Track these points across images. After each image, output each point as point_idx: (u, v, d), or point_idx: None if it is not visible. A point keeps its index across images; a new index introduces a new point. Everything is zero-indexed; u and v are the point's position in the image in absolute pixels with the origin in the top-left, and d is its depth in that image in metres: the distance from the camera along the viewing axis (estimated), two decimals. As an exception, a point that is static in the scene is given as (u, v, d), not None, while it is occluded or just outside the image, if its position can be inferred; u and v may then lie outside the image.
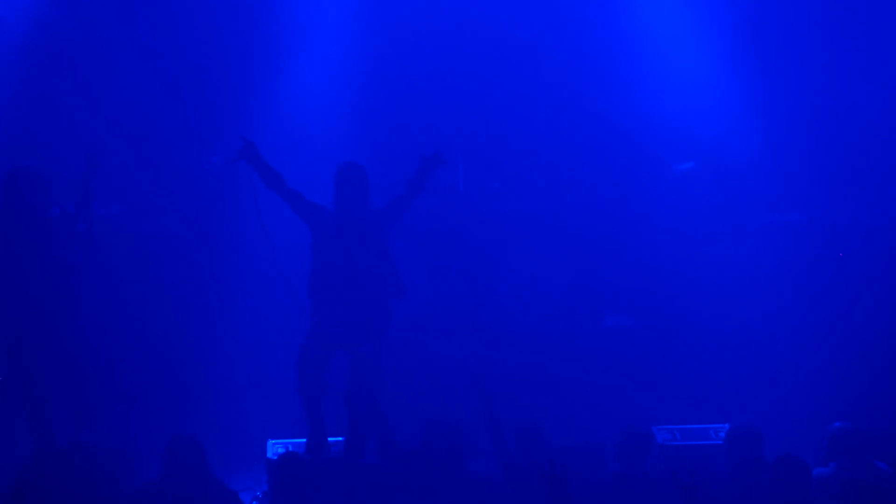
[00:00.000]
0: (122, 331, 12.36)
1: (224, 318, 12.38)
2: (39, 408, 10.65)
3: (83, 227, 10.57)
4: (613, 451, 9.72)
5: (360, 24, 12.96)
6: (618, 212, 13.00)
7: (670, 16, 13.13)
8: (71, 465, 10.13)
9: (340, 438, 10.31)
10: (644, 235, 12.93)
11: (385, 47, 12.96)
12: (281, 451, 10.44)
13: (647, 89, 12.97)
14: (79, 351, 10.71)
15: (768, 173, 12.96)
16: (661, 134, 12.99)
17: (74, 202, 10.59)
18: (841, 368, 12.49)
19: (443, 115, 12.93)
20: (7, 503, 8.23)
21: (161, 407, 12.15)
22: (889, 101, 13.09)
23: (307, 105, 12.91)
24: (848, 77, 13.14)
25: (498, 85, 13.06)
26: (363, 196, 10.57)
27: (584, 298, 12.85)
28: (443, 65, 12.95)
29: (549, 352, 12.66)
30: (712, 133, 13.03)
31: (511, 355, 12.65)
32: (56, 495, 9.91)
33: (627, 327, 12.79)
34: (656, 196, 12.99)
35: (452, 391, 12.20)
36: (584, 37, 13.00)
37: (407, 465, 9.38)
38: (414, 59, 12.95)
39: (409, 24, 12.94)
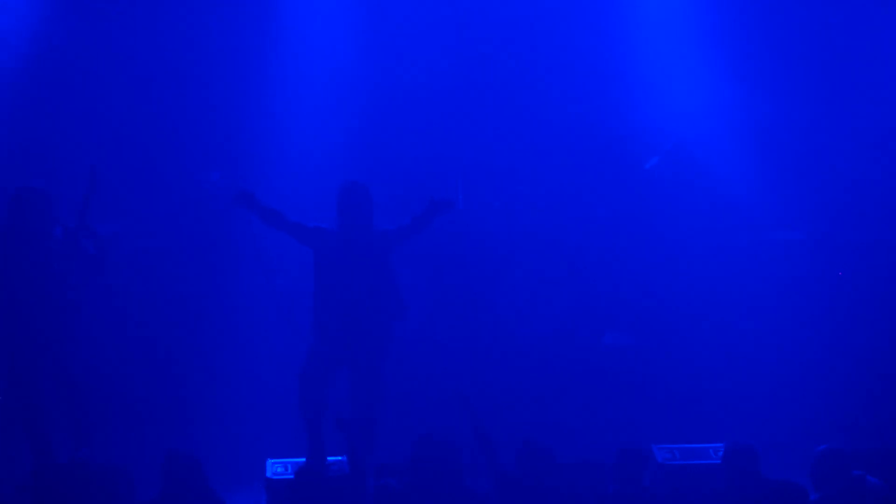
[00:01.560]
0: (121, 348, 12.35)
1: (224, 335, 12.37)
2: (38, 425, 10.64)
3: (93, 250, 10.59)
4: (612, 469, 9.70)
5: (361, 42, 12.99)
6: (617, 230, 13.00)
7: (670, 32, 13.15)
8: (70, 483, 10.11)
9: (340, 458, 10.31)
10: (643, 253, 12.93)
11: (385, 65, 12.98)
12: (280, 470, 10.45)
13: (648, 108, 12.99)
14: (78, 367, 10.72)
15: (767, 192, 12.97)
16: (662, 153, 13.00)
17: (75, 220, 10.60)
18: (840, 386, 12.50)
19: (443, 133, 12.96)
20: None
21: (160, 424, 12.14)
22: (889, 115, 13.12)
23: (308, 122, 12.92)
24: (848, 92, 13.17)
25: (498, 103, 13.08)
26: (366, 215, 10.57)
27: (582, 316, 12.85)
28: (443, 82, 12.97)
29: (548, 369, 12.64)
30: (712, 152, 13.05)
31: (510, 372, 12.64)
32: (55, 513, 9.92)
33: (626, 345, 12.78)
34: (656, 214, 13.00)
35: (451, 408, 12.24)
36: (584, 55, 13.03)
37: (404, 482, 9.38)
38: (415, 75, 12.98)
39: (410, 40, 12.97)
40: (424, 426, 10.29)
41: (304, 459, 10.47)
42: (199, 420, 12.10)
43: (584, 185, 13.08)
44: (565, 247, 12.93)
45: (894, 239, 12.93)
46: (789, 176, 13.11)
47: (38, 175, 11.26)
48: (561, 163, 13.09)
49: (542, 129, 13.08)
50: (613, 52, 13.06)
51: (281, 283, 11.23)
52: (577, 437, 11.74)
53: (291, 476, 10.06)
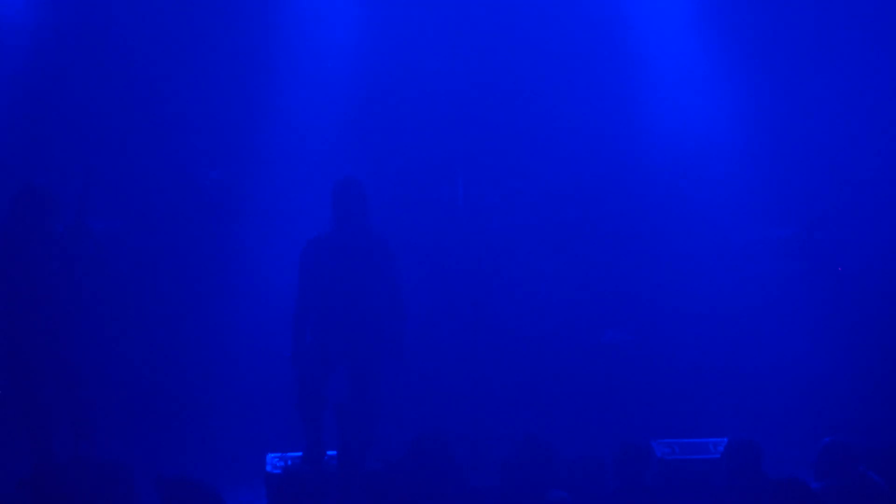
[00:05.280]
0: (121, 344, 12.37)
1: (223, 331, 12.39)
2: (39, 421, 10.65)
3: (93, 248, 10.62)
4: (612, 465, 9.71)
5: (360, 38, 13.00)
6: (617, 226, 13.03)
7: (669, 31, 13.17)
8: (70, 479, 10.12)
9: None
10: (643, 250, 12.95)
11: (384, 61, 12.99)
12: (280, 464, 10.47)
13: (646, 106, 13.01)
14: (79, 364, 10.73)
15: (767, 188, 12.99)
16: (660, 149, 13.03)
17: (73, 218, 10.63)
18: (839, 382, 12.51)
19: (443, 130, 12.97)
20: None
21: (161, 420, 12.17)
22: (886, 112, 13.14)
23: (306, 120, 12.93)
24: (844, 90, 13.19)
25: (498, 99, 13.09)
26: (361, 211, 10.57)
27: (583, 313, 12.87)
28: (443, 79, 12.98)
29: (548, 366, 12.67)
30: (711, 148, 13.08)
31: (510, 369, 12.66)
32: (56, 509, 9.93)
33: (626, 342, 12.80)
34: (656, 211, 13.02)
35: (451, 405, 12.27)
36: (583, 52, 13.04)
37: (404, 479, 9.40)
38: (414, 72, 12.99)
39: (408, 36, 12.98)
40: (424, 423, 10.33)
41: (302, 454, 10.49)
42: (199, 414, 12.14)
43: (583, 181, 13.09)
44: (565, 243, 12.94)
45: (893, 233, 12.96)
46: (788, 173, 13.12)
47: (39, 173, 11.28)
48: (560, 159, 13.10)
49: (541, 125, 13.09)
50: (614, 45, 13.07)
51: (280, 279, 11.23)
52: (576, 433, 11.76)
53: (291, 470, 10.09)
